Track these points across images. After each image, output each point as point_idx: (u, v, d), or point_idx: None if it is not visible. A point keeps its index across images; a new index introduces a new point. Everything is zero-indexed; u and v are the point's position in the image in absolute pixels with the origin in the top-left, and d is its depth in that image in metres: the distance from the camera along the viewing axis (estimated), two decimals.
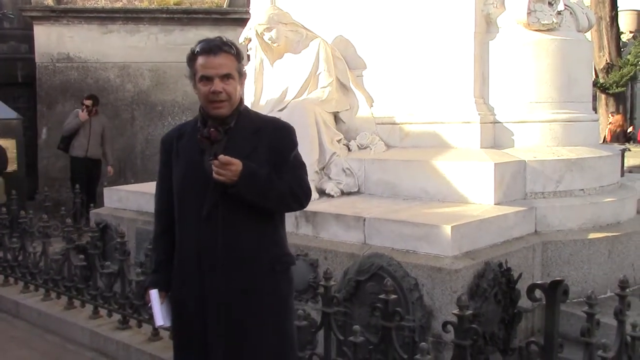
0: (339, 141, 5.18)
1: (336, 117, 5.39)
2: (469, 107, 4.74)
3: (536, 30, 4.75)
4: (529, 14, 4.70)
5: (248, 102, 6.15)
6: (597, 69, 14.82)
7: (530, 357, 2.55)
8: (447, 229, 3.64)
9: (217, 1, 11.06)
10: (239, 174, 2.27)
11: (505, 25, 4.83)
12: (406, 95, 5.13)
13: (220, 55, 2.35)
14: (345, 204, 4.55)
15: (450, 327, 2.68)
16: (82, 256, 4.95)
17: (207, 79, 2.36)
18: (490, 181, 4.29)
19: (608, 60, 15.18)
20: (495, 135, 4.78)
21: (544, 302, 2.52)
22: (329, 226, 4.25)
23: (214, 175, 2.28)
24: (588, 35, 5.79)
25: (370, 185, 4.95)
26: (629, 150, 8.56)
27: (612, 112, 14.66)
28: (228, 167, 2.26)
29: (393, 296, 2.92)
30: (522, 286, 3.50)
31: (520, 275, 3.72)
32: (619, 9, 16.12)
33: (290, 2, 5.89)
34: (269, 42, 5.50)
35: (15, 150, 8.89)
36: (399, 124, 5.13)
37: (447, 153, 4.68)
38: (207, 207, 2.36)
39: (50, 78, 10.19)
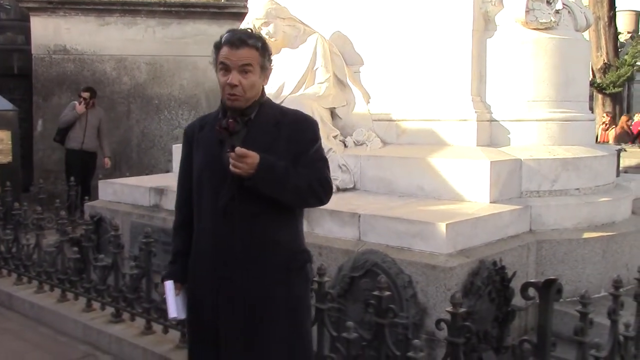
0: (335, 137, 5.17)
1: (333, 113, 5.38)
2: (466, 105, 4.74)
3: (534, 29, 4.75)
4: (527, 12, 4.70)
5: None
6: (594, 68, 14.85)
7: (523, 355, 2.55)
8: (442, 227, 3.64)
9: None
10: (255, 166, 2.23)
11: (504, 23, 4.83)
12: (403, 92, 5.12)
13: (242, 49, 2.31)
14: (340, 200, 4.54)
15: (443, 325, 2.68)
16: (76, 249, 4.93)
17: (226, 69, 2.33)
18: (486, 179, 4.29)
19: (605, 60, 15.20)
20: (491, 134, 4.78)
21: (538, 301, 2.52)
22: (324, 222, 4.24)
23: (231, 167, 2.24)
24: (586, 34, 5.79)
25: (366, 181, 4.95)
26: (625, 150, 8.57)
27: (607, 112, 14.67)
28: (244, 159, 2.22)
29: (387, 293, 2.92)
30: (516, 285, 3.49)
31: (514, 274, 3.72)
32: (617, 9, 16.15)
33: None
34: (267, 36, 5.47)
35: (10, 142, 8.84)
36: (395, 120, 5.12)
37: (443, 150, 4.68)
38: (223, 199, 2.33)
39: (46, 70, 10.14)
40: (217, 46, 2.37)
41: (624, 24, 24.34)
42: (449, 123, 4.80)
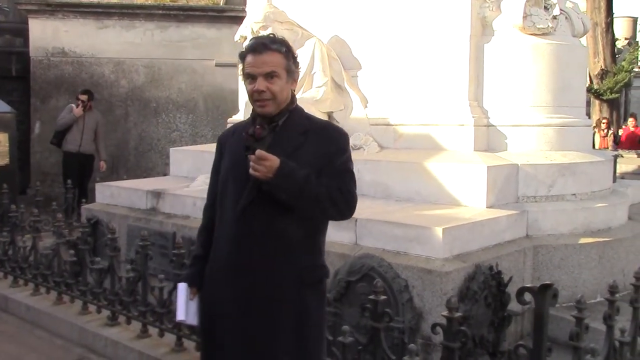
0: None
1: (330, 117, 5.39)
2: (463, 110, 4.74)
3: (532, 34, 4.76)
4: (524, 17, 4.71)
5: (242, 101, 6.15)
6: (591, 74, 14.87)
7: None
8: (439, 231, 3.65)
9: None
10: (274, 170, 2.19)
11: (501, 28, 4.84)
12: (401, 97, 5.13)
13: (265, 54, 2.29)
14: None
15: (439, 329, 2.67)
16: (72, 251, 4.92)
17: (251, 77, 2.31)
18: (482, 184, 4.29)
19: (603, 67, 15.23)
20: (488, 139, 4.79)
21: (533, 306, 2.52)
22: None
23: (250, 170, 2.22)
24: (583, 40, 5.81)
25: (363, 186, 4.93)
26: (621, 156, 8.59)
27: (605, 117, 14.68)
28: (263, 162, 2.19)
29: (383, 297, 2.91)
30: (512, 289, 3.49)
31: (510, 279, 3.72)
32: (614, 15, 16.19)
33: (287, 1, 5.88)
34: None
35: (7, 144, 8.83)
36: (393, 125, 5.13)
37: (440, 155, 4.69)
38: (242, 203, 2.30)
39: (44, 72, 10.14)
40: (242, 56, 2.35)
41: (621, 30, 24.41)
42: (446, 128, 4.81)
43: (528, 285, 2.52)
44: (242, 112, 5.99)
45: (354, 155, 5.02)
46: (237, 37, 5.86)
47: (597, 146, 12.93)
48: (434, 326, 2.72)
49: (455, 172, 4.43)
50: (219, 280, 2.37)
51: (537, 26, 4.74)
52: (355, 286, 3.75)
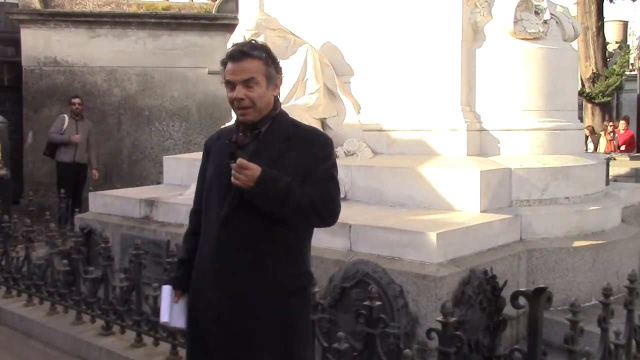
0: None
1: (323, 123, 5.40)
2: (456, 115, 4.76)
3: (523, 39, 4.79)
4: (515, 22, 4.73)
5: None
6: (583, 78, 14.95)
7: None
8: (433, 236, 3.65)
9: (206, 6, 11.07)
10: (255, 179, 2.19)
11: (492, 33, 4.86)
12: (393, 102, 5.14)
13: (244, 61, 2.28)
14: None
15: (434, 334, 2.67)
16: (65, 261, 4.90)
17: (231, 84, 2.31)
18: (476, 189, 4.30)
19: (594, 70, 15.32)
20: (481, 143, 4.80)
21: (528, 310, 2.52)
22: (314, 232, 4.22)
23: (232, 179, 2.22)
24: (574, 44, 5.84)
25: (357, 191, 4.95)
26: (614, 159, 8.62)
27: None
28: (244, 171, 2.19)
29: (378, 303, 2.91)
30: (507, 294, 3.49)
31: (505, 283, 3.72)
32: (605, 19, 16.30)
33: (279, 8, 5.89)
34: None
35: (0, 154, 8.81)
36: (386, 130, 5.14)
37: (433, 160, 4.69)
38: (225, 211, 2.30)
39: (36, 82, 10.12)
40: (223, 63, 2.35)
41: (612, 34, 24.57)
42: (439, 133, 4.82)
43: (522, 290, 2.52)
44: (235, 119, 6.00)
45: (348, 161, 5.10)
46: (229, 45, 5.80)
47: (602, 149, 13.00)
48: (429, 331, 2.72)
49: (449, 177, 4.44)
50: (204, 286, 2.38)
51: (528, 31, 4.76)
52: (350, 292, 3.74)
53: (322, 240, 4.18)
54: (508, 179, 4.51)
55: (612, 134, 13.70)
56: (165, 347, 3.95)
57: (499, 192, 4.45)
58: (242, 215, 2.28)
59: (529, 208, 4.48)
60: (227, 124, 6.19)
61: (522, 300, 2.48)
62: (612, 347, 3.04)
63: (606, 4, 16.21)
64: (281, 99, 5.47)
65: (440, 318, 2.64)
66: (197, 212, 2.52)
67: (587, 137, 13.40)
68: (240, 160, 2.20)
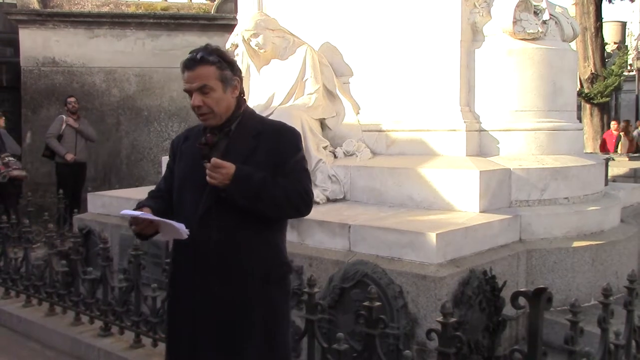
0: (325, 148, 5.18)
1: (322, 123, 5.39)
2: (455, 115, 4.75)
3: (522, 39, 4.78)
4: (514, 22, 4.73)
5: None
6: (581, 79, 14.94)
7: None
8: (432, 237, 3.64)
9: (205, 7, 11.05)
10: (230, 177, 2.26)
11: (491, 33, 4.86)
12: (392, 103, 5.14)
13: (196, 69, 2.34)
14: (330, 211, 4.54)
15: (434, 335, 2.66)
16: (64, 262, 4.89)
17: (189, 92, 2.37)
18: (475, 189, 4.30)
19: (593, 71, 15.31)
20: (480, 143, 4.80)
21: (528, 310, 2.52)
22: (314, 233, 4.23)
23: (207, 178, 2.27)
24: (573, 45, 5.84)
25: (356, 192, 4.94)
26: (613, 159, 8.62)
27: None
28: (219, 170, 2.26)
29: (377, 303, 2.90)
30: (506, 294, 3.49)
31: (504, 283, 3.72)
32: (603, 20, 16.30)
33: (278, 9, 5.89)
34: (256, 48, 5.49)
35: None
36: (385, 131, 5.13)
37: (433, 161, 4.69)
38: (201, 210, 2.35)
39: (35, 82, 10.10)
40: (182, 72, 2.40)
41: (610, 34, 24.60)
42: (439, 133, 4.81)
43: (522, 290, 2.51)
44: None
45: (347, 162, 5.09)
46: (228, 45, 5.86)
47: (619, 150, 13.02)
48: (429, 332, 2.71)
49: (448, 177, 4.44)
50: (185, 285, 2.42)
51: (527, 31, 4.76)
52: (350, 293, 3.74)
53: (322, 240, 4.18)
54: (507, 179, 4.51)
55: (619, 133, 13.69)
56: (163, 347, 3.93)
57: (499, 193, 4.44)
58: (218, 213, 2.35)
59: (528, 208, 4.48)
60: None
61: (522, 301, 2.47)
62: (612, 347, 3.03)
63: (605, 4, 16.21)
64: (280, 99, 5.55)
65: (440, 318, 2.63)
66: (155, 191, 2.61)
67: (619, 137, 13.43)
68: (214, 159, 2.26)
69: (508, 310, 3.55)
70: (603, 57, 16.11)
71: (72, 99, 8.80)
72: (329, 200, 4.87)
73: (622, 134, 13.60)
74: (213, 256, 2.36)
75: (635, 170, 8.94)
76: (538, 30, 4.78)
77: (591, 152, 11.63)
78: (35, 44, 10.07)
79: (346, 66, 5.48)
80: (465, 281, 3.61)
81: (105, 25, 10.24)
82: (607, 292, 3.04)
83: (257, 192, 2.31)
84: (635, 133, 13.86)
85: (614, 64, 16.80)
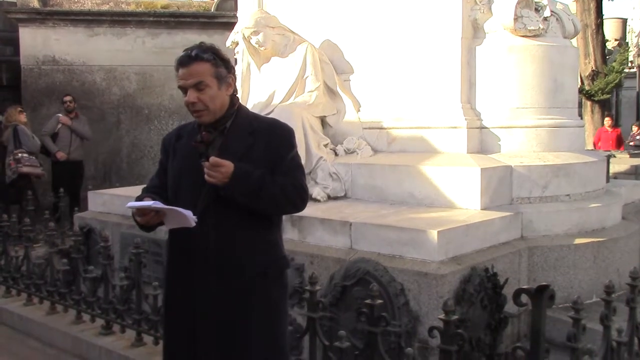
0: (325, 145, 5.17)
1: (323, 121, 5.38)
2: (456, 112, 4.74)
3: (523, 36, 4.77)
4: (515, 19, 4.72)
5: None
6: (582, 76, 14.93)
7: None
8: (434, 234, 3.63)
9: (205, 5, 11.04)
10: (229, 175, 2.27)
11: (492, 30, 4.85)
12: (393, 100, 5.13)
13: (191, 65, 2.36)
14: (331, 208, 4.53)
15: (436, 333, 2.66)
16: (65, 260, 4.88)
17: (183, 89, 2.39)
18: (476, 186, 4.29)
19: (593, 68, 15.30)
20: (482, 140, 4.79)
21: (530, 307, 2.51)
22: (315, 231, 4.22)
23: (206, 177, 2.28)
24: (574, 42, 5.83)
25: (357, 189, 4.93)
26: (614, 156, 8.62)
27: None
28: (218, 169, 2.26)
29: (379, 301, 2.90)
30: (508, 291, 3.49)
31: (506, 281, 3.71)
32: (604, 17, 16.27)
33: (278, 6, 5.88)
34: (256, 45, 5.48)
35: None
36: (386, 128, 5.12)
37: (434, 158, 4.68)
38: (199, 208, 2.35)
39: (35, 81, 10.09)
40: (176, 69, 2.41)
41: (611, 31, 24.54)
42: (440, 130, 4.80)
43: (525, 287, 2.50)
44: None
45: (348, 159, 5.08)
46: (228, 43, 5.85)
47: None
48: (431, 329, 2.71)
49: (449, 174, 4.43)
50: (182, 282, 2.43)
51: (528, 28, 4.74)
52: (351, 290, 3.73)
53: (323, 238, 4.18)
54: (509, 176, 4.50)
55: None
56: None
57: (500, 190, 4.43)
58: (216, 211, 2.36)
59: (529, 205, 4.47)
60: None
61: (524, 298, 2.46)
62: (614, 344, 3.03)
63: (605, 1, 16.19)
64: (280, 97, 5.54)
65: (442, 316, 2.63)
66: (149, 188, 2.61)
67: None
68: (213, 158, 2.27)
69: (510, 307, 3.54)
70: (604, 54, 16.10)
71: (68, 98, 8.76)
72: (330, 197, 4.86)
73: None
74: (212, 254, 2.37)
75: (636, 167, 8.94)
76: (539, 27, 4.77)
77: (592, 149, 11.61)
78: (35, 43, 10.05)
79: (347, 63, 5.46)
80: (467, 279, 3.60)
81: (105, 23, 10.22)
82: (609, 289, 3.03)
83: (256, 190, 2.33)
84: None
85: (614, 61, 16.79)
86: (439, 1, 4.88)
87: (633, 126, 14.89)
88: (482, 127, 4.79)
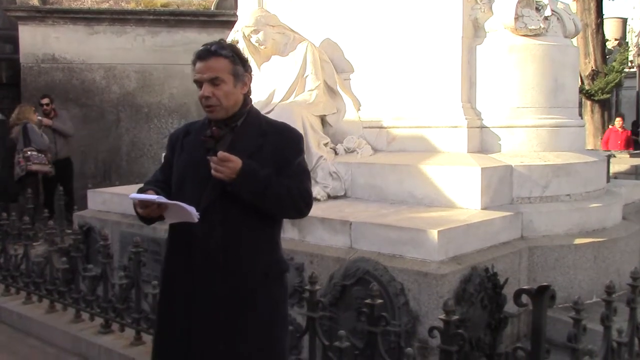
0: (325, 145, 5.16)
1: (323, 120, 5.37)
2: (457, 112, 4.73)
3: (523, 35, 4.76)
4: (516, 18, 4.71)
5: None
6: (582, 75, 14.91)
7: None
8: (434, 234, 3.63)
9: (205, 3, 11.01)
10: (237, 171, 2.26)
11: (493, 30, 4.84)
12: (393, 99, 5.12)
13: (210, 60, 2.35)
14: (331, 208, 4.52)
15: (436, 333, 2.65)
16: (64, 259, 4.88)
17: (199, 83, 2.38)
18: (477, 186, 4.28)
19: (593, 67, 15.28)
20: (482, 140, 4.78)
21: (531, 308, 2.51)
22: (315, 230, 4.22)
23: (212, 172, 2.27)
24: (574, 41, 5.82)
25: (357, 189, 4.93)
26: (614, 156, 8.61)
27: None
28: (226, 164, 2.25)
29: (379, 301, 2.89)
30: (508, 291, 3.48)
31: (506, 281, 3.71)
32: (604, 16, 16.26)
33: (278, 5, 5.87)
34: (256, 44, 5.47)
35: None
36: (386, 127, 5.12)
37: (434, 157, 4.67)
38: (204, 204, 2.34)
39: (35, 79, 10.07)
40: (193, 63, 2.41)
41: (611, 31, 24.54)
42: (440, 130, 4.79)
43: (526, 287, 2.50)
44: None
45: (348, 159, 5.08)
46: (228, 41, 5.83)
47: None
48: (431, 329, 2.70)
49: (449, 174, 4.42)
50: (181, 277, 2.41)
51: (529, 27, 4.73)
52: (351, 290, 3.73)
53: (323, 238, 4.17)
54: (509, 176, 4.49)
55: None
56: None
57: (500, 190, 4.43)
58: (221, 207, 2.35)
59: (530, 205, 4.46)
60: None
61: (525, 299, 2.46)
62: (614, 345, 3.02)
63: (605, 0, 16.18)
64: (281, 96, 5.53)
65: (442, 316, 2.62)
66: (152, 181, 2.57)
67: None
68: (222, 152, 2.26)
69: (510, 307, 3.54)
70: (604, 54, 16.08)
71: (45, 101, 8.65)
72: (329, 197, 4.86)
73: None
74: (216, 250, 2.34)
75: (636, 167, 8.94)
76: (540, 27, 4.76)
77: (592, 149, 11.61)
78: (35, 41, 10.03)
79: (347, 62, 5.45)
80: (467, 278, 3.59)
81: (105, 21, 10.20)
82: (610, 290, 3.03)
83: (262, 189, 2.32)
84: None
85: (614, 61, 16.77)
86: (439, 0, 4.87)
87: None
88: (483, 127, 4.78)
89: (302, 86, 5.33)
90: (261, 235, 2.43)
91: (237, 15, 6.57)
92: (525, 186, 4.50)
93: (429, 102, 4.90)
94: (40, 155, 8.05)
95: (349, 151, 5.15)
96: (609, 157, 5.86)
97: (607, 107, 16.12)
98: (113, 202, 5.79)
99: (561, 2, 5.22)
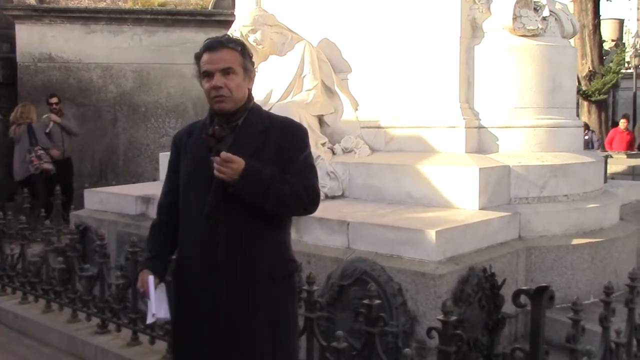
0: (323, 144, 5.15)
1: (321, 120, 5.36)
2: (454, 112, 4.73)
3: (521, 36, 4.76)
4: (514, 19, 4.71)
5: None
6: (579, 76, 14.95)
7: None
8: (432, 234, 3.62)
9: (202, 3, 11.00)
10: (240, 172, 2.23)
11: (491, 30, 4.84)
12: (391, 99, 5.11)
13: (221, 51, 2.34)
14: (329, 207, 4.51)
15: (434, 333, 2.65)
16: (61, 259, 4.86)
17: (209, 74, 2.34)
18: (474, 186, 4.27)
19: (591, 68, 15.32)
20: (480, 140, 4.77)
21: (529, 308, 2.50)
22: (312, 230, 4.21)
23: (215, 172, 2.24)
24: (571, 42, 5.82)
25: (355, 189, 4.92)
26: (611, 157, 8.63)
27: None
28: (229, 164, 2.22)
29: (377, 301, 2.89)
30: (506, 292, 3.48)
31: (504, 281, 3.70)
32: (601, 18, 16.30)
33: (276, 4, 5.86)
34: (254, 44, 5.45)
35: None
36: (384, 127, 5.11)
37: (432, 157, 4.67)
38: (208, 206, 2.32)
39: (31, 78, 10.04)
40: (198, 56, 2.39)
41: (608, 32, 24.62)
42: (438, 130, 4.79)
43: (524, 288, 2.49)
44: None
45: (345, 159, 5.06)
46: None
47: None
48: (429, 330, 2.70)
49: (447, 174, 4.41)
50: (191, 282, 2.39)
51: (527, 27, 4.73)
52: (348, 290, 3.72)
53: (321, 238, 4.16)
54: (507, 176, 4.49)
55: None
56: (161, 345, 3.92)
57: (498, 190, 4.42)
58: (226, 208, 2.31)
59: (527, 206, 4.46)
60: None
61: (523, 299, 2.45)
62: (613, 345, 3.02)
63: (602, 1, 16.22)
64: (278, 96, 5.51)
65: (440, 317, 2.61)
66: (165, 207, 2.57)
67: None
68: (225, 153, 2.22)
69: (507, 308, 3.53)
70: (601, 55, 16.12)
71: (54, 100, 8.68)
72: (327, 197, 4.84)
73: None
74: (221, 252, 2.32)
75: (633, 167, 8.96)
76: (538, 27, 4.76)
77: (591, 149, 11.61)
78: (32, 40, 10.01)
79: (345, 62, 5.45)
80: (465, 279, 3.59)
81: (102, 21, 10.18)
82: (608, 290, 3.02)
83: (266, 189, 2.28)
84: None
85: (611, 62, 16.82)
86: (437, 0, 4.86)
87: None
88: (481, 127, 4.78)
89: (300, 86, 5.32)
90: (267, 237, 2.39)
91: (234, 15, 6.56)
92: (523, 186, 4.50)
93: (427, 102, 4.89)
94: (46, 154, 8.14)
95: (346, 151, 5.14)
96: (606, 157, 5.86)
97: (604, 108, 16.16)
98: (110, 201, 5.77)
99: (559, 2, 5.22)
